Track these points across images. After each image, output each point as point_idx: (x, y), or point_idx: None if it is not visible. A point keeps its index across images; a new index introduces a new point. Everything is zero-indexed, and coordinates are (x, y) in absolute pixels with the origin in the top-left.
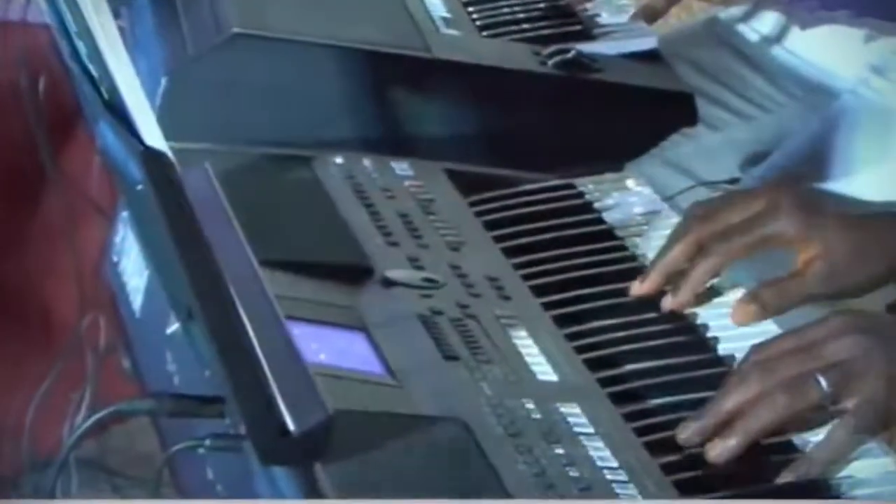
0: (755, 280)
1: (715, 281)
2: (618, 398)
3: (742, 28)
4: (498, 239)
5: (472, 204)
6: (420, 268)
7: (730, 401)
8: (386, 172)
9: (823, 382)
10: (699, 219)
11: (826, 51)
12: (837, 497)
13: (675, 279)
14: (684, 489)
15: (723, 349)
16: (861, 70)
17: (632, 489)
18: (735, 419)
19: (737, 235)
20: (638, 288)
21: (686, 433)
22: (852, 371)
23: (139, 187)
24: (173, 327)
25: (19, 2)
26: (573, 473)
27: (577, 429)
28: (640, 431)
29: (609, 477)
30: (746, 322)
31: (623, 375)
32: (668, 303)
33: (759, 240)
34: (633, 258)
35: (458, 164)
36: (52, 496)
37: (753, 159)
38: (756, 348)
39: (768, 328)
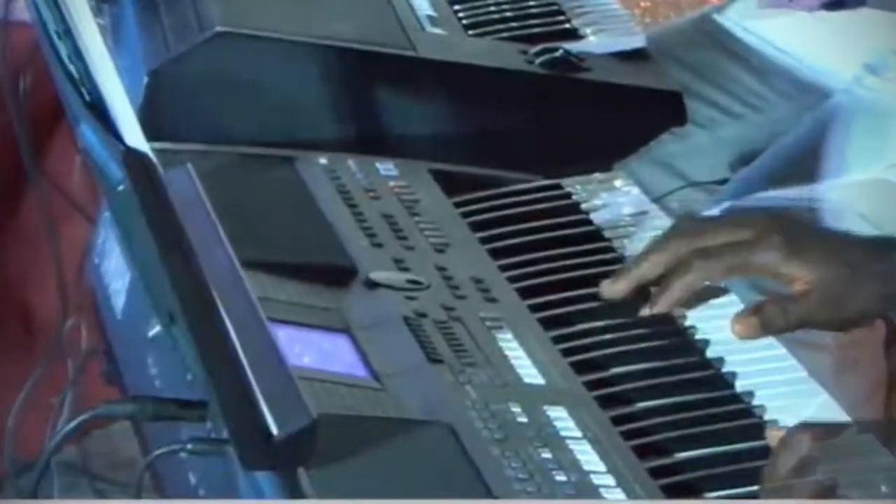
0: (746, 284)
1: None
2: (605, 401)
3: (733, 26)
4: (484, 240)
5: (458, 205)
6: (405, 269)
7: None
8: (370, 173)
9: (885, 489)
10: (684, 233)
11: (819, 49)
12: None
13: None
14: (672, 493)
15: (711, 352)
16: (855, 69)
17: (619, 493)
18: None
19: (720, 256)
20: (608, 289)
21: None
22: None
23: (121, 188)
24: (155, 330)
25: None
26: (560, 477)
27: (564, 432)
28: (628, 435)
29: (596, 481)
30: (747, 336)
31: (610, 378)
32: (645, 313)
33: (741, 265)
34: (622, 260)
35: (444, 165)
36: (33, 499)
37: (744, 159)
38: (812, 432)
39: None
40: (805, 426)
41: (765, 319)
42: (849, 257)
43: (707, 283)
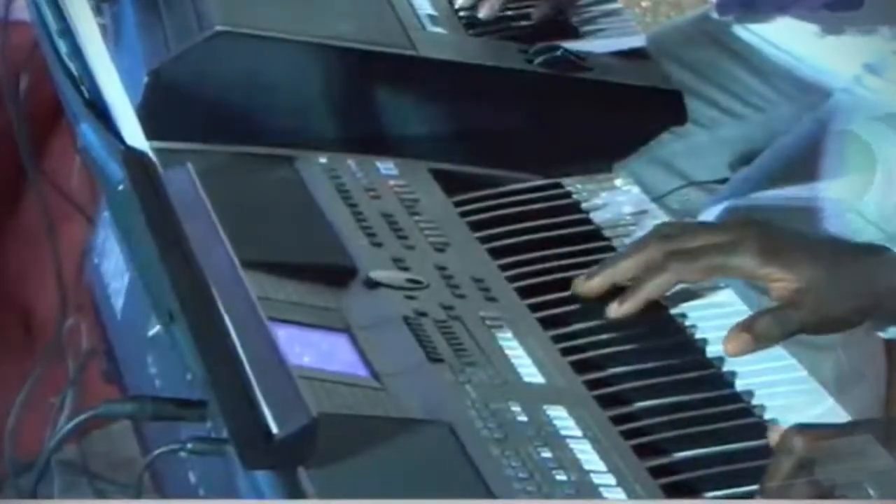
0: (745, 282)
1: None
2: (605, 401)
3: (734, 26)
4: (484, 239)
5: (458, 204)
6: (405, 269)
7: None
8: (370, 172)
9: (872, 493)
10: (662, 237)
11: (820, 49)
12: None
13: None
14: (672, 493)
15: (711, 351)
16: (856, 68)
17: (619, 492)
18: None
19: (696, 258)
20: (581, 286)
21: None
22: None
23: (120, 187)
24: (155, 329)
25: None
26: (560, 477)
27: (564, 432)
28: (628, 434)
29: (596, 480)
30: (739, 352)
31: (610, 378)
32: (612, 311)
33: (717, 266)
34: None
35: (444, 164)
36: (33, 498)
37: (744, 158)
38: (806, 435)
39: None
40: (801, 428)
41: (758, 333)
42: (827, 258)
43: (681, 284)
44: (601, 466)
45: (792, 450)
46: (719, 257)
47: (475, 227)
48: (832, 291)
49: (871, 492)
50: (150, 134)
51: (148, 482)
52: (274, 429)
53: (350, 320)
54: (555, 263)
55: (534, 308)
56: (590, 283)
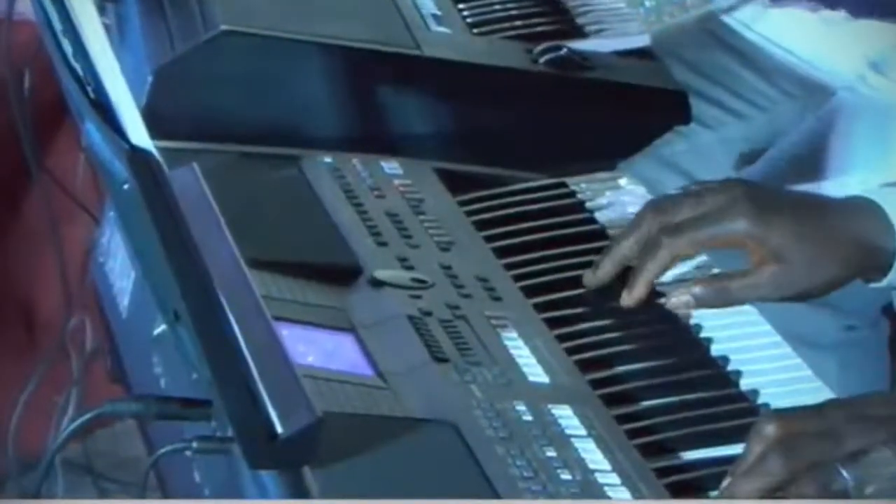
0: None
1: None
2: (610, 400)
3: (737, 25)
4: (489, 239)
5: (463, 203)
6: (409, 268)
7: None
8: (375, 171)
9: (846, 475)
10: (653, 211)
11: (823, 48)
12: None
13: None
14: (676, 492)
15: (716, 350)
16: (859, 67)
17: (624, 492)
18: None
19: (688, 230)
20: (591, 278)
21: None
22: (874, 460)
23: (126, 187)
24: (160, 329)
25: None
26: (565, 476)
27: (568, 431)
28: (632, 434)
29: (601, 479)
30: (678, 310)
31: (615, 377)
32: (624, 300)
33: (710, 237)
34: None
35: (449, 163)
36: (37, 498)
37: (748, 158)
38: (779, 419)
39: (761, 329)
40: (773, 413)
41: (696, 298)
42: (817, 226)
43: (680, 258)
44: (606, 465)
45: (764, 435)
46: (711, 226)
47: (480, 226)
48: (807, 270)
49: (846, 474)
50: (155, 133)
51: (152, 481)
52: (278, 428)
53: (355, 320)
54: (560, 263)
55: (539, 307)
56: (598, 273)
